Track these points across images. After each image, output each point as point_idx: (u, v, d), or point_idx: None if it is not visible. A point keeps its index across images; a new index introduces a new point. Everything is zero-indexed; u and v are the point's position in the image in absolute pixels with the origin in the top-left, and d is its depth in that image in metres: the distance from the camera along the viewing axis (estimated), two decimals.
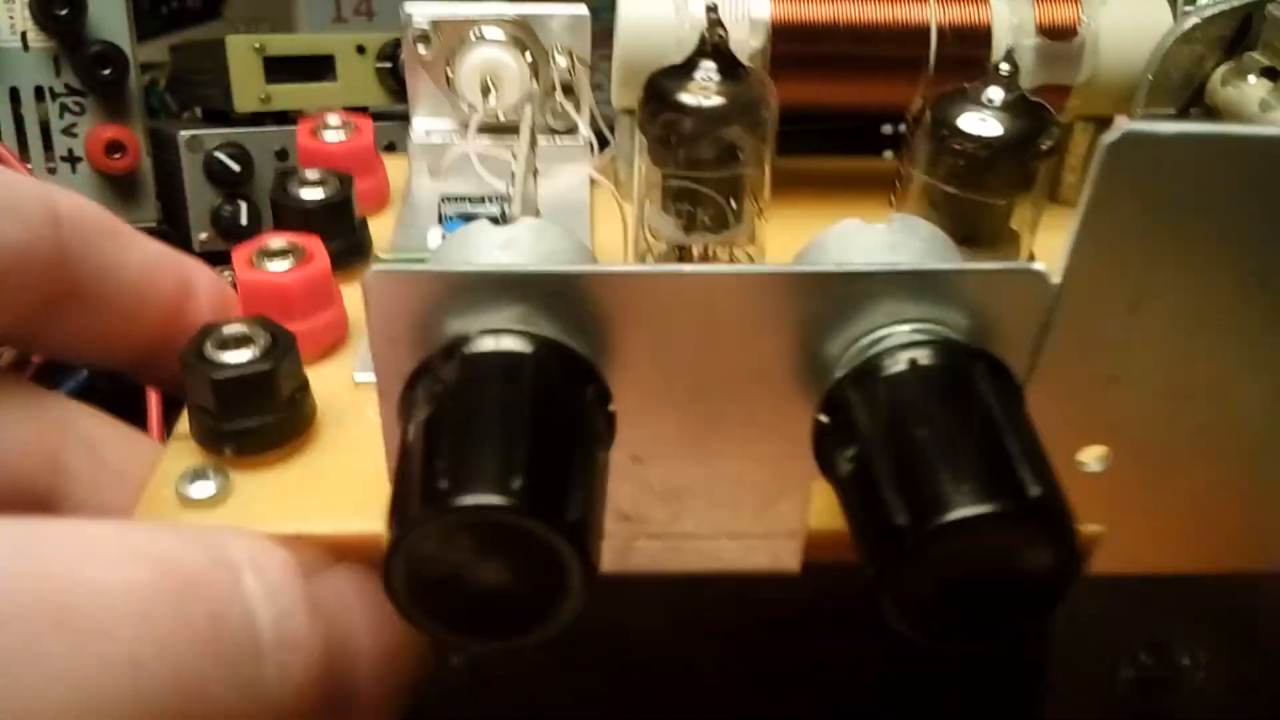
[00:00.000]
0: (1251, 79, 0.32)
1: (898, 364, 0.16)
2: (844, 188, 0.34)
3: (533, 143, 0.28)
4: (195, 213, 0.47)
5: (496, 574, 0.15)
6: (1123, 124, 0.15)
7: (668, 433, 0.18)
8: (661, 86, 0.27)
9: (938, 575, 0.14)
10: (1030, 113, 0.26)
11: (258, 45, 0.50)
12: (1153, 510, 0.19)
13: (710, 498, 0.18)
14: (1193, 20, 0.32)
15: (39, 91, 0.43)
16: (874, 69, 0.32)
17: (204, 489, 0.20)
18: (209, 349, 0.21)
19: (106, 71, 0.43)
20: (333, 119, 0.32)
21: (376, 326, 0.16)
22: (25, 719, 0.12)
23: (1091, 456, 0.18)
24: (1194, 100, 0.34)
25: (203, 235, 0.47)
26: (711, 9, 0.27)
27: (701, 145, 0.27)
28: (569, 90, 0.33)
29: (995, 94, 0.26)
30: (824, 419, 0.17)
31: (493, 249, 0.19)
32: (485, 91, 0.32)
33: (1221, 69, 0.33)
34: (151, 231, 0.28)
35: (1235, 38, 0.33)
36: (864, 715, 0.22)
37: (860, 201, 0.32)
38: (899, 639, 0.14)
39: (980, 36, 0.32)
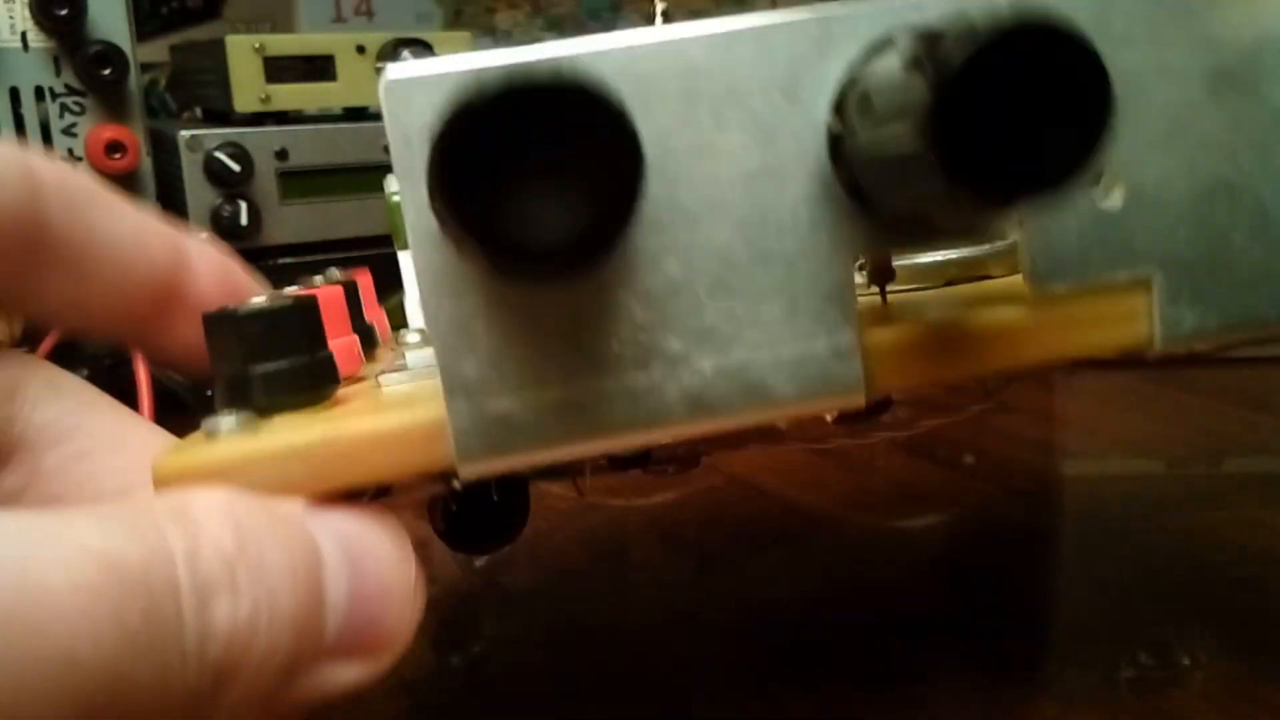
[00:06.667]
0: None
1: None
2: None
3: None
4: (195, 213, 0.47)
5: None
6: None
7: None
8: None
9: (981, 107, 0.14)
10: None
11: (258, 45, 0.50)
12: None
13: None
14: None
15: (39, 91, 0.43)
16: None
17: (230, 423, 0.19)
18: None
19: (106, 71, 0.43)
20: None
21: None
22: None
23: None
24: None
25: (202, 235, 0.47)
26: None
27: None
28: None
29: None
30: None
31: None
32: None
33: None
34: None
35: None
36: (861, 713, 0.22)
37: None
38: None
39: None
